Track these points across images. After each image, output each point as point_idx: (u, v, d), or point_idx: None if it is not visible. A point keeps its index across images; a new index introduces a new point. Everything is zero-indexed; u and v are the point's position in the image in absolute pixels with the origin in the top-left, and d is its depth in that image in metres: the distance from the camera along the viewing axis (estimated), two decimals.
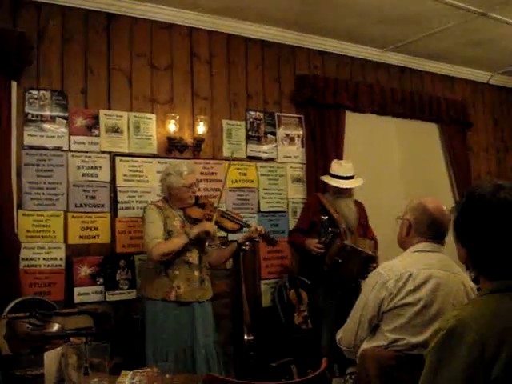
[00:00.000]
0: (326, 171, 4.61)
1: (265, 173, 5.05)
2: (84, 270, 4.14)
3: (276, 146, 5.16)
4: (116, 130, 4.38)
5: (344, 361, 2.77)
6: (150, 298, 3.58)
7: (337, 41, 5.49)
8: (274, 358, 4.43)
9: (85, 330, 3.41)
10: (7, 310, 3.55)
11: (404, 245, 2.48)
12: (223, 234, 4.26)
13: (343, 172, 4.34)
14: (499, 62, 6.26)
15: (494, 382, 1.26)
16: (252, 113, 5.06)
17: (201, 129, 4.65)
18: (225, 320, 4.53)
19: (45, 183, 4.07)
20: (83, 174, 4.22)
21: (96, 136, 4.30)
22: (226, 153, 4.86)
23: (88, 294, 4.14)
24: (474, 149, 6.60)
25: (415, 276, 2.27)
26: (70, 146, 4.20)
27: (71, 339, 2.92)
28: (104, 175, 4.30)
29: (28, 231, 3.99)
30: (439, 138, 6.30)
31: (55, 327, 3.22)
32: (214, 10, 4.70)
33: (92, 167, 4.26)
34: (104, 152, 4.32)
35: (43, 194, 4.06)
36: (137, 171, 4.43)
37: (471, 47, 5.72)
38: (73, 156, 4.20)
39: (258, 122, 5.08)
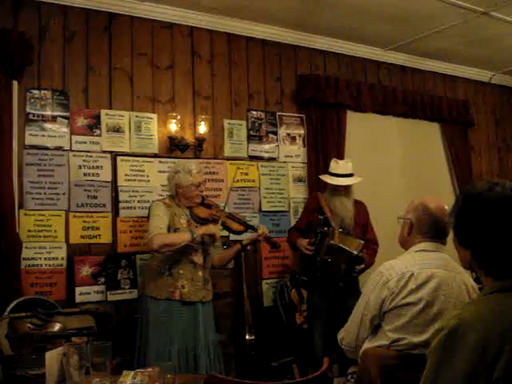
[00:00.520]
0: (328, 171, 4.60)
1: (266, 172, 5.05)
2: (85, 270, 4.14)
3: (277, 146, 5.16)
4: (117, 129, 4.38)
5: (345, 360, 2.77)
6: (154, 297, 3.57)
7: (338, 40, 5.49)
8: (276, 357, 4.43)
9: (86, 329, 3.42)
10: (9, 309, 3.55)
11: (405, 245, 2.47)
12: (226, 234, 4.25)
13: (340, 170, 4.33)
14: (501, 61, 6.25)
15: (496, 383, 1.26)
16: (253, 112, 5.06)
17: (202, 128, 4.65)
18: (226, 320, 4.53)
19: (46, 183, 4.08)
20: (84, 174, 4.22)
21: (97, 136, 4.30)
22: (227, 152, 4.86)
23: (89, 293, 4.14)
24: (476, 148, 6.60)
25: (417, 275, 2.27)
26: (71, 145, 4.20)
27: (72, 339, 2.93)
28: (105, 175, 4.30)
29: (29, 231, 3.99)
30: (441, 138, 6.29)
31: (56, 327, 3.23)
32: (215, 9, 4.70)
33: (93, 167, 4.26)
34: (105, 152, 4.33)
35: (44, 193, 4.07)
36: (138, 171, 4.43)
37: (473, 46, 5.72)
38: (74, 156, 4.20)
39: (260, 121, 5.08)
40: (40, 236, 4.02)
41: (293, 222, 4.96)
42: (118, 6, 4.42)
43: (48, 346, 2.83)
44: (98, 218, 4.25)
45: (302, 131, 5.30)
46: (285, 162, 5.18)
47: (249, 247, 4.05)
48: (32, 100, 4.09)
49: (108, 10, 4.41)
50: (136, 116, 4.48)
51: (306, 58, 5.43)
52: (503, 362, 1.26)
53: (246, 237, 3.91)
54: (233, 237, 4.26)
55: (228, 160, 4.85)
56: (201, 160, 4.63)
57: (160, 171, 4.50)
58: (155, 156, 4.53)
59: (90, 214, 4.22)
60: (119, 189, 4.35)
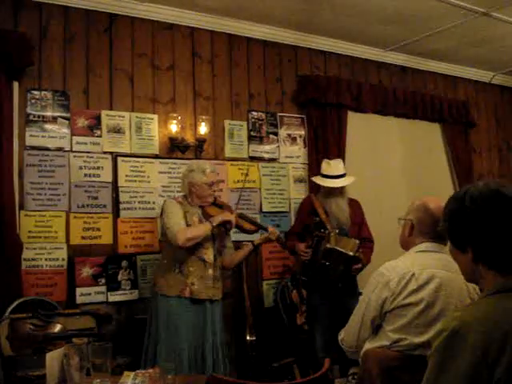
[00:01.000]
0: (320, 172, 4.57)
1: (267, 173, 5.05)
2: (86, 271, 4.14)
3: (278, 147, 5.16)
4: (118, 130, 4.38)
5: (346, 361, 2.77)
6: (164, 294, 3.60)
7: (339, 41, 5.48)
8: (276, 358, 4.43)
9: (87, 330, 3.42)
10: (9, 310, 3.55)
11: (406, 245, 2.47)
12: (239, 237, 4.32)
13: (332, 171, 4.32)
14: (502, 61, 6.25)
15: (497, 383, 1.26)
16: (254, 113, 5.06)
17: (203, 129, 4.65)
18: (227, 320, 4.52)
19: (47, 184, 4.08)
20: (85, 175, 4.22)
21: (98, 136, 4.30)
22: (227, 153, 4.86)
23: (90, 294, 4.14)
24: (477, 148, 6.59)
25: (418, 276, 2.27)
26: (71, 146, 4.20)
27: (73, 340, 2.92)
28: (106, 176, 4.30)
29: (30, 232, 3.99)
30: (441, 138, 6.29)
31: (57, 328, 3.23)
32: (216, 10, 4.70)
33: (94, 168, 4.26)
34: (106, 152, 4.32)
35: (45, 194, 4.07)
36: (139, 171, 4.43)
37: (473, 47, 5.72)
38: (75, 156, 4.20)
39: (260, 122, 5.08)
40: (40, 237, 4.02)
41: (293, 223, 4.95)
42: (119, 6, 4.43)
43: (49, 347, 2.83)
44: (99, 219, 4.25)
45: (303, 132, 5.30)
46: (285, 163, 5.18)
47: (260, 246, 4.09)
48: (32, 101, 4.09)
49: (108, 11, 4.41)
50: (136, 117, 4.48)
51: (307, 58, 5.43)
52: (504, 362, 1.26)
53: (258, 237, 3.99)
54: (244, 237, 4.28)
55: (229, 161, 4.85)
56: (201, 161, 4.62)
57: (160, 172, 4.51)
58: (156, 157, 4.53)
59: (90, 215, 4.22)
60: (120, 189, 4.35)
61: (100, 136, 4.31)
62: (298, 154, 5.26)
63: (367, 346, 2.35)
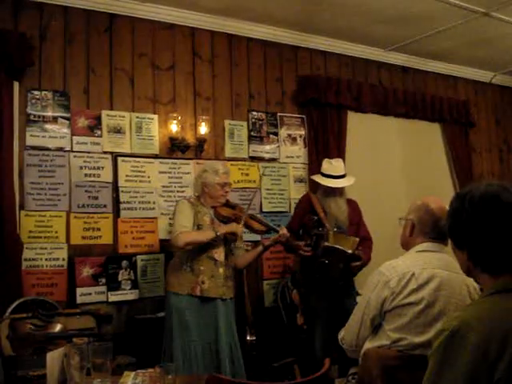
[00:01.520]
0: (320, 171, 4.56)
1: (267, 173, 5.05)
2: (86, 271, 4.14)
3: (278, 147, 5.16)
4: (118, 130, 4.39)
5: (346, 361, 2.76)
6: (176, 292, 3.64)
7: (339, 41, 5.49)
8: (277, 358, 4.42)
9: (87, 330, 3.42)
10: (10, 310, 3.55)
11: (407, 245, 2.47)
12: (250, 238, 4.36)
13: (334, 171, 4.30)
14: (502, 61, 6.25)
15: (497, 383, 1.26)
16: (254, 113, 5.06)
17: (203, 129, 4.65)
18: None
19: (47, 184, 4.08)
20: (85, 175, 4.22)
21: (98, 136, 4.30)
22: (228, 153, 4.86)
23: (90, 294, 4.14)
24: (477, 149, 6.60)
25: (418, 275, 2.27)
26: (72, 146, 4.20)
27: (73, 340, 2.92)
28: (106, 176, 4.30)
29: (30, 232, 3.99)
30: (442, 138, 6.29)
31: (57, 328, 3.23)
32: (216, 10, 4.70)
33: (94, 168, 4.26)
34: (106, 152, 4.33)
35: (45, 194, 4.07)
36: (139, 172, 4.43)
37: (474, 47, 5.72)
38: (75, 156, 4.20)
39: (261, 122, 5.08)
40: (41, 237, 4.03)
41: (291, 220, 4.93)
42: (119, 6, 4.43)
43: (49, 347, 2.82)
44: (99, 219, 4.25)
45: (303, 132, 5.30)
46: (286, 163, 5.18)
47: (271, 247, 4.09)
48: (33, 101, 4.09)
49: (109, 11, 4.42)
50: (137, 117, 4.48)
51: (307, 58, 5.43)
52: (505, 362, 1.26)
53: (268, 238, 3.99)
54: (254, 238, 4.32)
55: (229, 161, 4.85)
56: (201, 161, 4.62)
57: (161, 172, 4.51)
58: (156, 157, 4.53)
59: (90, 215, 4.22)
60: (120, 189, 4.35)
61: (100, 136, 4.32)
62: (298, 154, 5.26)
63: (367, 345, 2.35)
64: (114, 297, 4.22)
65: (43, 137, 4.11)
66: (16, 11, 4.07)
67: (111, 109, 4.39)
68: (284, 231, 3.86)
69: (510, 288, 1.40)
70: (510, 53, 5.93)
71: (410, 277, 2.26)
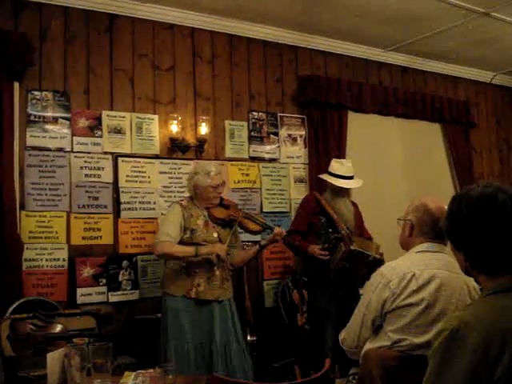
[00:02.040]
0: (328, 171, 4.56)
1: (267, 173, 5.05)
2: (87, 271, 4.14)
3: (278, 147, 5.16)
4: (118, 130, 4.39)
5: (347, 361, 2.77)
6: (171, 294, 3.64)
7: (339, 41, 5.49)
8: (277, 358, 4.43)
9: (87, 330, 3.42)
10: (10, 310, 3.55)
11: (406, 246, 2.47)
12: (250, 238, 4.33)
13: (345, 171, 4.26)
14: (502, 61, 6.25)
15: (497, 383, 1.26)
16: (254, 113, 5.06)
17: (203, 129, 4.65)
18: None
19: (47, 184, 4.08)
20: (86, 175, 4.22)
21: (98, 137, 4.31)
22: (228, 153, 4.86)
23: (91, 294, 4.14)
24: (477, 149, 6.60)
25: (418, 276, 2.26)
26: (72, 146, 4.21)
27: (74, 340, 2.93)
28: (106, 176, 4.31)
29: (31, 232, 3.99)
30: (442, 138, 6.29)
31: (58, 328, 3.23)
32: (216, 10, 4.70)
33: (95, 168, 4.26)
34: (106, 153, 4.33)
35: (46, 194, 4.07)
36: (139, 172, 4.43)
37: (474, 47, 5.72)
38: (75, 157, 4.21)
39: (261, 122, 5.08)
40: (41, 237, 4.03)
41: (295, 220, 4.91)
42: (119, 7, 4.43)
43: (49, 348, 2.82)
44: (100, 219, 4.25)
45: (303, 132, 5.30)
46: (286, 163, 5.18)
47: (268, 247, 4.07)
48: (33, 101, 4.09)
49: (109, 11, 4.42)
50: (137, 117, 4.48)
51: (307, 58, 5.43)
52: (505, 362, 1.26)
53: (265, 237, 3.98)
54: (252, 237, 4.30)
55: (229, 161, 4.85)
56: (202, 161, 4.62)
57: (161, 172, 4.51)
58: (156, 157, 4.54)
59: (91, 215, 4.22)
60: (120, 190, 4.35)
61: (101, 136, 4.32)
62: (298, 154, 5.26)
63: (368, 346, 2.35)
64: (114, 297, 4.22)
65: (43, 137, 4.11)
66: (16, 11, 4.07)
67: (111, 109, 4.40)
68: (279, 230, 3.81)
69: (509, 288, 1.40)
70: (510, 53, 5.93)
71: (410, 278, 2.26)
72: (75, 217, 4.17)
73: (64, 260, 4.09)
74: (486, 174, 6.61)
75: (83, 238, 4.18)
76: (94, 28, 4.37)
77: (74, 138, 4.22)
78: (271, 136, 5.13)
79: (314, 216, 4.25)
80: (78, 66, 4.28)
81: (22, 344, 3.03)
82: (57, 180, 4.11)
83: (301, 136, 5.29)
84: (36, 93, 4.10)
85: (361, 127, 5.57)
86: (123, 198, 4.35)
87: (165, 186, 4.51)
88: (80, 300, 4.09)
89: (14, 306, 3.62)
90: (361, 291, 3.98)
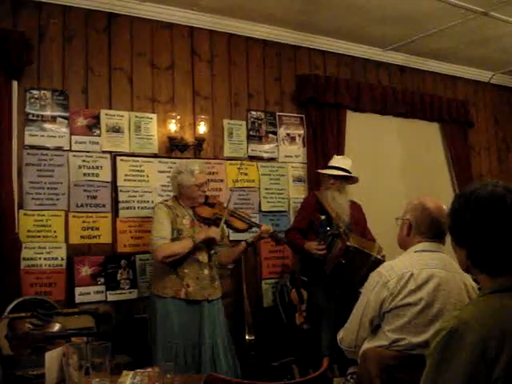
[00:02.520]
0: (327, 165, 4.57)
1: (266, 172, 5.05)
2: (85, 270, 4.14)
3: (277, 146, 5.16)
4: (117, 129, 4.38)
5: (345, 361, 2.77)
6: (160, 295, 3.61)
7: (338, 40, 5.49)
8: (276, 357, 4.43)
9: (86, 329, 3.41)
10: (8, 309, 3.54)
11: (405, 245, 2.47)
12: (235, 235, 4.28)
13: (343, 164, 4.34)
14: (501, 61, 6.25)
15: (496, 382, 1.26)
16: (253, 112, 5.06)
17: (202, 128, 4.65)
18: (226, 320, 4.52)
19: (46, 183, 4.07)
20: (84, 174, 4.22)
21: (97, 136, 4.30)
22: (226, 152, 4.86)
23: (89, 293, 4.14)
24: (476, 148, 6.60)
25: (416, 276, 2.27)
26: (70, 145, 4.20)
27: (72, 339, 2.92)
28: (105, 175, 4.30)
29: (29, 231, 3.99)
30: (440, 138, 6.30)
31: (56, 327, 3.22)
32: (215, 9, 4.70)
33: (93, 167, 4.26)
34: (105, 152, 4.33)
35: (44, 193, 4.06)
36: (138, 171, 4.43)
37: (473, 46, 5.72)
38: (74, 156, 4.20)
39: (259, 121, 5.08)
40: (40, 236, 4.02)
41: (297, 218, 4.91)
42: (118, 6, 4.42)
43: (48, 347, 2.82)
44: (98, 218, 4.25)
45: (302, 131, 5.30)
46: (284, 162, 5.18)
47: (255, 244, 4.06)
48: (32, 100, 4.08)
49: (108, 10, 4.41)
50: (136, 116, 4.48)
51: (306, 58, 5.43)
52: (502, 361, 1.26)
53: (251, 235, 3.94)
54: (238, 236, 4.26)
55: (228, 160, 4.85)
56: (200, 160, 4.62)
57: (160, 171, 4.51)
58: (155, 156, 4.53)
59: (89, 214, 4.22)
60: (119, 189, 4.34)
61: (99, 135, 4.31)
62: (297, 154, 5.26)
63: (366, 345, 2.35)
64: (112, 296, 4.22)
65: (42, 136, 4.10)
66: (15, 10, 4.06)
67: (110, 108, 4.39)
68: (266, 227, 3.80)
69: (508, 287, 1.40)
70: (508, 52, 5.93)
71: (408, 277, 2.27)
72: (73, 216, 4.17)
73: (62, 259, 4.08)
74: (484, 173, 6.62)
75: (81, 237, 4.18)
76: (92, 27, 4.37)
77: (73, 136, 4.21)
78: (270, 135, 5.12)
79: (314, 214, 4.28)
80: (76, 64, 4.28)
81: (20, 343, 3.03)
82: (55, 179, 4.11)
83: (299, 135, 5.29)
84: (34, 92, 4.10)
85: (359, 127, 5.57)
86: (121, 197, 4.35)
87: (163, 185, 4.50)
88: (78, 299, 4.08)
89: (12, 304, 3.61)
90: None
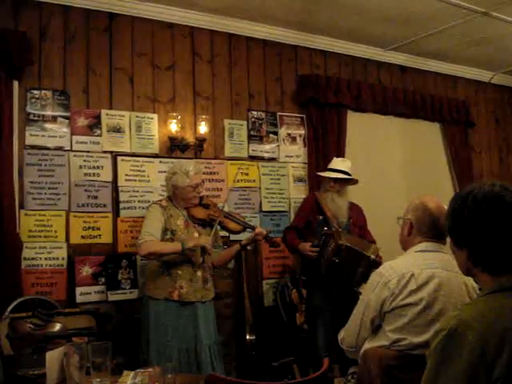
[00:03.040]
0: (327, 168, 4.58)
1: (267, 172, 5.05)
2: (86, 270, 4.14)
3: (278, 146, 5.16)
4: (118, 129, 4.39)
5: (346, 361, 2.77)
6: (153, 297, 3.58)
7: (339, 40, 5.49)
8: (276, 357, 4.43)
9: (87, 329, 3.42)
10: (9, 309, 3.54)
11: (406, 245, 2.47)
12: (226, 234, 4.25)
13: (342, 166, 4.34)
14: (501, 61, 6.25)
15: (496, 382, 1.26)
16: (254, 112, 5.06)
17: (202, 128, 4.65)
18: (227, 320, 4.53)
19: (46, 183, 4.08)
20: (85, 174, 4.22)
21: (98, 136, 4.30)
22: (227, 153, 4.86)
23: (90, 293, 4.14)
24: (476, 148, 6.60)
25: (417, 276, 2.27)
26: (71, 145, 4.20)
27: (73, 339, 2.93)
28: (106, 175, 4.30)
29: (30, 231, 3.99)
30: (441, 138, 6.29)
31: (57, 327, 3.22)
32: (216, 9, 4.70)
33: (94, 167, 4.26)
34: (106, 152, 4.33)
35: (45, 193, 4.07)
36: (138, 171, 4.43)
37: (473, 46, 5.72)
38: (75, 156, 4.20)
39: (260, 121, 5.08)
40: (40, 236, 4.03)
41: (295, 218, 4.91)
42: (119, 6, 4.42)
43: (48, 346, 2.82)
44: (99, 218, 4.25)
45: (303, 131, 5.30)
46: (285, 162, 5.18)
47: (249, 247, 4.06)
48: (32, 100, 4.09)
49: (108, 10, 4.41)
50: (136, 116, 4.48)
51: (307, 57, 5.43)
52: (503, 361, 1.26)
53: (245, 237, 3.91)
54: (233, 237, 4.26)
55: (228, 160, 4.85)
56: (201, 160, 4.63)
57: (160, 171, 4.50)
58: (156, 156, 4.53)
59: (90, 214, 4.22)
60: (120, 189, 4.35)
61: (100, 135, 4.31)
62: (297, 154, 5.26)
63: (367, 345, 2.35)
64: (113, 296, 4.22)
65: (43, 136, 4.11)
66: (16, 10, 4.06)
67: (111, 108, 4.39)
68: (260, 229, 3.78)
69: (508, 287, 1.40)
70: (509, 52, 5.93)
71: (409, 277, 2.26)
72: (74, 216, 4.17)
73: (63, 259, 4.09)
74: (485, 173, 6.61)
75: (82, 237, 4.18)
76: (93, 27, 4.37)
77: (74, 136, 4.22)
78: (270, 135, 5.12)
79: (313, 215, 4.29)
80: (77, 64, 4.28)
81: (21, 343, 3.03)
82: (56, 179, 4.11)
83: (300, 135, 5.29)
84: (35, 91, 4.10)
85: (360, 127, 5.57)
86: (122, 197, 4.35)
87: (164, 185, 4.48)
88: (79, 299, 4.09)
89: (13, 304, 3.61)
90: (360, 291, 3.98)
